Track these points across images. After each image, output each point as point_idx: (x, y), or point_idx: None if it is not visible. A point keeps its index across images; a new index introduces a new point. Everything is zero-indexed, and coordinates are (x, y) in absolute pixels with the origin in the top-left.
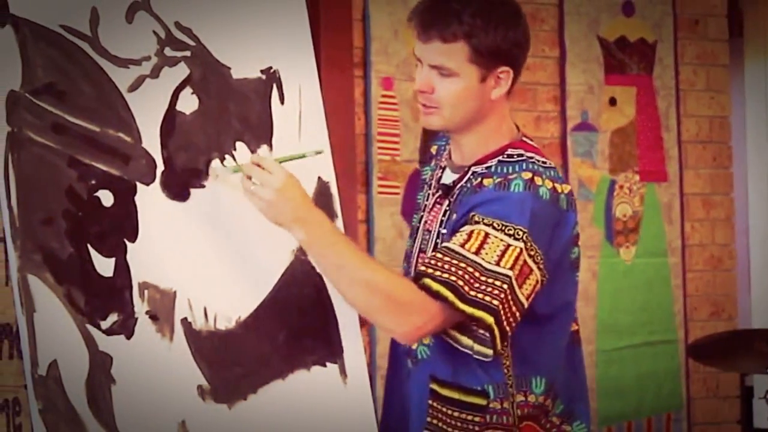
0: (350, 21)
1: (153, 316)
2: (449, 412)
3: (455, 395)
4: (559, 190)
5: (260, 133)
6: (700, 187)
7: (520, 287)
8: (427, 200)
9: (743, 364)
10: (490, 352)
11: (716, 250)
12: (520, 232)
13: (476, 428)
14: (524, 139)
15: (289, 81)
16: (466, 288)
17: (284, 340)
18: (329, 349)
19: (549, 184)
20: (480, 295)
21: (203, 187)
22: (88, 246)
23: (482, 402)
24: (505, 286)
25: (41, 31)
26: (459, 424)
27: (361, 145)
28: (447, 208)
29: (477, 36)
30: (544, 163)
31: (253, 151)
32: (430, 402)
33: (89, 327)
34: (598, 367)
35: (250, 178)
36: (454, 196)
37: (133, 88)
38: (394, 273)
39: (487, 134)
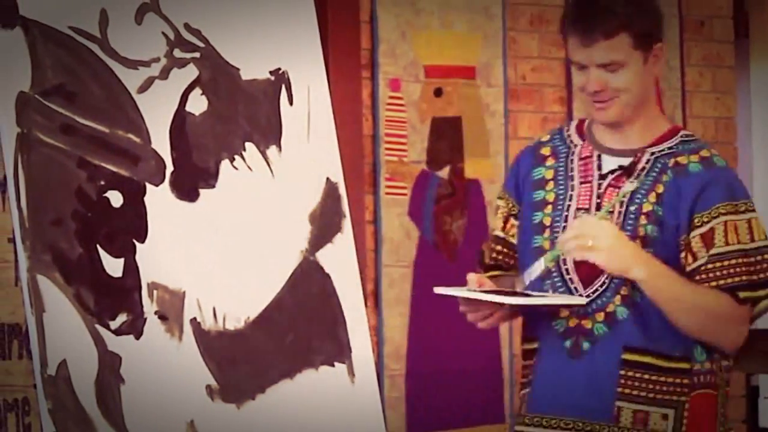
0: (358, 23)
1: (162, 316)
2: (652, 378)
3: (657, 361)
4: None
5: (269, 133)
6: None
7: None
8: (572, 191)
9: (749, 364)
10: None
11: None
12: (750, 204)
13: (685, 390)
14: None
15: (297, 82)
16: (754, 277)
17: (292, 340)
18: (337, 348)
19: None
20: (762, 275)
21: (212, 187)
22: (98, 246)
23: (686, 366)
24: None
25: (51, 33)
26: (665, 388)
27: (369, 146)
28: (630, 189)
29: (633, 22)
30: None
31: (261, 152)
32: (622, 372)
33: (98, 327)
34: None
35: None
36: (639, 177)
37: (142, 89)
38: (713, 292)
39: (651, 115)
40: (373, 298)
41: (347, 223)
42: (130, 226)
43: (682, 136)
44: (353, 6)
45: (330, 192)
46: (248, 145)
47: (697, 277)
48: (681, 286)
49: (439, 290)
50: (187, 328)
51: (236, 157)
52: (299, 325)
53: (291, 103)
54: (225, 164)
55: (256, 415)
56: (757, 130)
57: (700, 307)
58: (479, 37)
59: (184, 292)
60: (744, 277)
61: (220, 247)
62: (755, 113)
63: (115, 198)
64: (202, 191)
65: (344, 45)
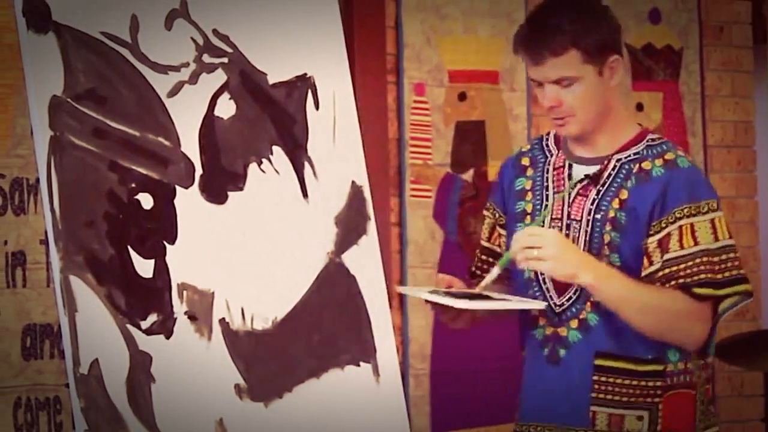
0: (383, 28)
1: (192, 317)
2: (624, 381)
3: (628, 366)
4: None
5: (296, 137)
6: (725, 190)
7: None
8: (546, 200)
9: (766, 363)
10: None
11: (741, 252)
12: (713, 203)
13: (658, 392)
14: None
15: (323, 87)
16: (718, 276)
17: (319, 340)
18: (362, 349)
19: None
20: (727, 273)
21: (240, 190)
22: (129, 248)
23: (659, 368)
24: (737, 253)
25: (83, 38)
26: (638, 391)
27: (394, 149)
28: (596, 197)
29: (582, 38)
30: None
31: (289, 156)
32: (596, 378)
33: (129, 327)
34: None
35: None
36: (606, 185)
37: (172, 93)
38: (667, 291)
39: (616, 123)
40: (398, 299)
41: (372, 225)
42: (161, 228)
43: (648, 141)
44: (379, 12)
45: (355, 195)
46: (275, 148)
47: (655, 282)
48: (631, 287)
49: (400, 289)
50: (216, 328)
51: (264, 160)
52: (325, 325)
53: (317, 108)
54: (253, 167)
55: (284, 413)
56: None
57: (653, 306)
58: (502, 42)
59: (213, 293)
60: (702, 276)
61: (248, 249)
62: None
63: (146, 200)
64: (230, 194)
65: (370, 50)
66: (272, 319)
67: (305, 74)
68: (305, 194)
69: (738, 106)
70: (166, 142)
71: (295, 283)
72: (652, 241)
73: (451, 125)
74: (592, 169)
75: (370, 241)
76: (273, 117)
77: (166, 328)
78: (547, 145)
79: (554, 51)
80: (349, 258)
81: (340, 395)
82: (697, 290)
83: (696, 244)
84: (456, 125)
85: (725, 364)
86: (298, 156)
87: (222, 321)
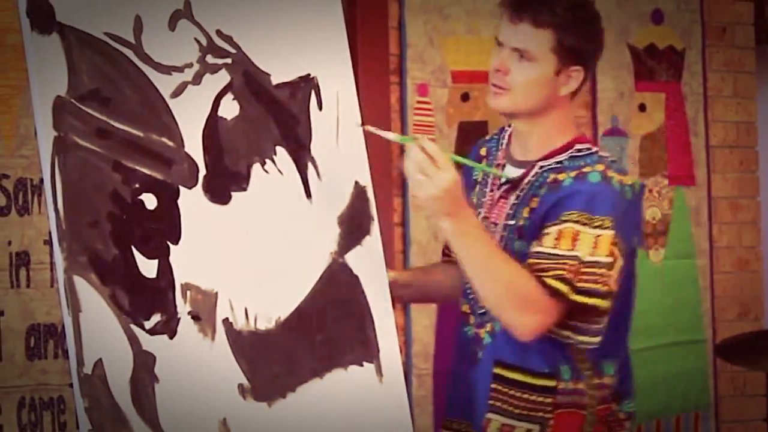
0: (386, 29)
1: (195, 317)
2: (517, 394)
3: (523, 378)
4: (625, 182)
5: (299, 138)
6: (728, 190)
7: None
8: (484, 197)
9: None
10: (596, 340)
11: (743, 252)
12: (606, 222)
13: (548, 409)
14: (586, 134)
15: (327, 87)
16: (575, 280)
17: (322, 340)
18: (366, 348)
19: (617, 176)
20: (588, 285)
21: (244, 190)
22: (132, 248)
23: (551, 383)
24: (608, 271)
25: (87, 39)
26: (529, 405)
27: (397, 149)
28: (515, 202)
29: (564, 28)
30: (608, 157)
31: (292, 156)
32: (493, 386)
33: (133, 327)
34: None
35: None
36: (524, 191)
37: (175, 94)
38: (525, 272)
39: (550, 129)
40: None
41: (375, 226)
42: (164, 228)
43: (574, 151)
44: (382, 12)
45: (358, 195)
46: (279, 149)
47: None
48: (489, 252)
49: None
50: (220, 328)
51: (267, 160)
52: (329, 325)
53: (320, 108)
54: (256, 168)
55: (287, 413)
56: None
57: (502, 280)
58: None
59: (216, 293)
60: (564, 272)
61: (252, 249)
62: None
63: (150, 200)
64: (234, 194)
65: (373, 51)
66: (275, 319)
67: (308, 75)
68: (308, 194)
69: (740, 107)
70: (170, 143)
71: (299, 284)
72: (536, 243)
73: (454, 126)
74: (519, 173)
75: (373, 241)
76: (276, 117)
77: (169, 328)
78: (503, 138)
79: (535, 20)
80: (353, 258)
81: (343, 395)
82: (549, 281)
83: (572, 249)
84: (459, 126)
85: (728, 364)
86: (301, 156)
87: (225, 321)
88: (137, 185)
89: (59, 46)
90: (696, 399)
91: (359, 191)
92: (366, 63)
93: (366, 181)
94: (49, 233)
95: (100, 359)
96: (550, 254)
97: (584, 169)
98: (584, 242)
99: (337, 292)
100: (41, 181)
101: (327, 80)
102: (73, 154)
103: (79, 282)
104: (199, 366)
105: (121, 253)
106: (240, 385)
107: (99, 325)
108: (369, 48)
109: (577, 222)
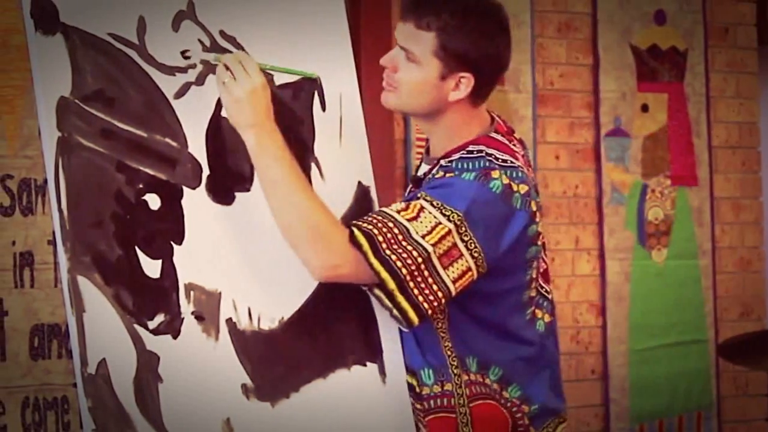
0: (390, 30)
1: (199, 317)
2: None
3: (411, 380)
4: (514, 188)
5: (302, 138)
6: (730, 191)
7: (445, 268)
8: (408, 194)
9: None
10: (404, 321)
11: (745, 252)
12: (455, 215)
13: (420, 415)
14: (493, 134)
15: (329, 88)
16: (384, 246)
17: (325, 340)
18: (369, 349)
19: (504, 180)
20: (393, 257)
21: (247, 191)
22: (136, 248)
23: (417, 389)
24: (420, 259)
25: (90, 39)
26: (415, 410)
27: (400, 150)
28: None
29: (448, 33)
30: (506, 161)
31: (296, 157)
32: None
33: (137, 327)
34: (631, 367)
35: (228, 69)
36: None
37: (179, 94)
38: (329, 210)
39: (450, 130)
40: None
41: None
42: (168, 229)
43: (465, 152)
44: (385, 13)
45: (362, 195)
46: None
47: None
48: (289, 174)
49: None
50: (223, 328)
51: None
52: (332, 325)
53: (324, 109)
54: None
55: (290, 413)
56: None
57: (300, 205)
58: None
59: (220, 293)
60: (375, 230)
61: (255, 249)
62: None
63: (153, 201)
64: (237, 194)
65: (376, 51)
66: (279, 319)
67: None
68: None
69: (743, 108)
70: (174, 143)
71: (302, 284)
72: None
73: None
74: (425, 170)
75: None
76: (279, 118)
77: (173, 328)
78: None
79: (418, 22)
80: None
81: (346, 395)
82: (355, 229)
83: (409, 221)
84: None
85: (730, 364)
86: (304, 157)
87: (229, 321)
88: (141, 185)
89: (63, 47)
90: (698, 399)
91: (362, 192)
92: (369, 64)
93: (369, 182)
94: (53, 233)
95: (104, 359)
96: (387, 214)
97: (465, 171)
98: (423, 221)
99: (341, 292)
100: (45, 181)
101: (330, 81)
102: (77, 154)
103: (83, 282)
104: (203, 366)
105: (125, 253)
106: (243, 385)
107: (103, 325)
108: (372, 49)
109: (428, 202)
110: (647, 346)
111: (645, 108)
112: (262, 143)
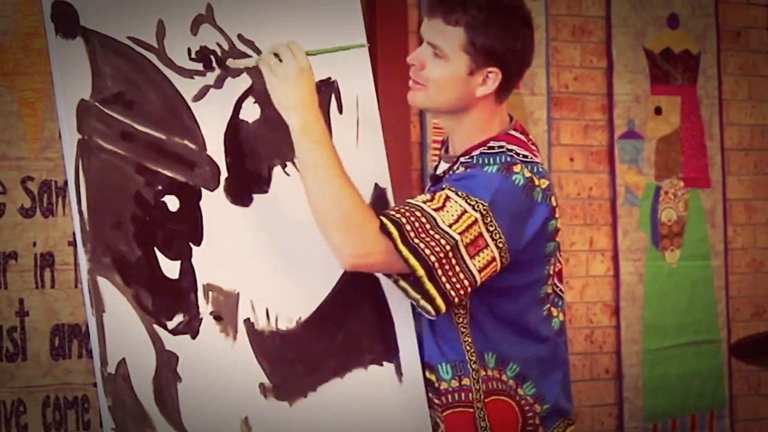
0: (406, 33)
1: (217, 317)
2: (428, 394)
3: (430, 376)
4: (536, 182)
5: None
6: (742, 192)
7: (471, 257)
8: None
9: None
10: (431, 309)
11: (758, 253)
12: (480, 205)
13: (438, 410)
14: (512, 132)
15: (347, 91)
16: (412, 234)
17: (342, 340)
18: (386, 348)
19: (526, 174)
20: (422, 245)
21: (265, 192)
22: (155, 249)
23: (436, 384)
24: (448, 248)
25: (110, 43)
26: (432, 405)
27: (417, 152)
28: None
29: (475, 28)
30: (526, 156)
31: None
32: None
33: (156, 327)
34: (645, 366)
35: (276, 55)
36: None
37: (197, 97)
38: (363, 200)
39: (474, 126)
40: None
41: None
42: (187, 230)
43: (486, 148)
44: (401, 17)
45: (378, 197)
46: None
47: None
48: (328, 160)
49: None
50: (241, 328)
51: (288, 163)
52: (349, 325)
53: (340, 112)
54: (277, 170)
55: (308, 412)
56: None
57: (336, 191)
58: None
59: (238, 294)
60: (403, 219)
61: (273, 250)
62: None
63: (172, 203)
64: (255, 196)
65: (392, 54)
66: (296, 319)
67: (329, 78)
68: None
69: (755, 110)
70: (192, 146)
71: (319, 284)
72: None
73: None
74: (445, 168)
75: None
76: None
77: (192, 328)
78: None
79: (446, 17)
80: None
81: (363, 394)
82: (384, 218)
83: (435, 210)
84: None
85: (742, 363)
86: None
87: (247, 321)
88: (160, 187)
89: (83, 51)
90: (711, 398)
91: (379, 193)
92: (385, 67)
93: (386, 184)
94: (74, 235)
95: (124, 359)
96: (414, 204)
97: (485, 166)
98: (449, 211)
99: (357, 292)
100: (65, 183)
101: (347, 84)
102: (97, 156)
103: (103, 283)
104: (221, 365)
105: (144, 254)
106: (261, 385)
107: (122, 325)
108: (389, 52)
109: (454, 192)
110: (660, 346)
111: (658, 111)
112: (307, 125)
